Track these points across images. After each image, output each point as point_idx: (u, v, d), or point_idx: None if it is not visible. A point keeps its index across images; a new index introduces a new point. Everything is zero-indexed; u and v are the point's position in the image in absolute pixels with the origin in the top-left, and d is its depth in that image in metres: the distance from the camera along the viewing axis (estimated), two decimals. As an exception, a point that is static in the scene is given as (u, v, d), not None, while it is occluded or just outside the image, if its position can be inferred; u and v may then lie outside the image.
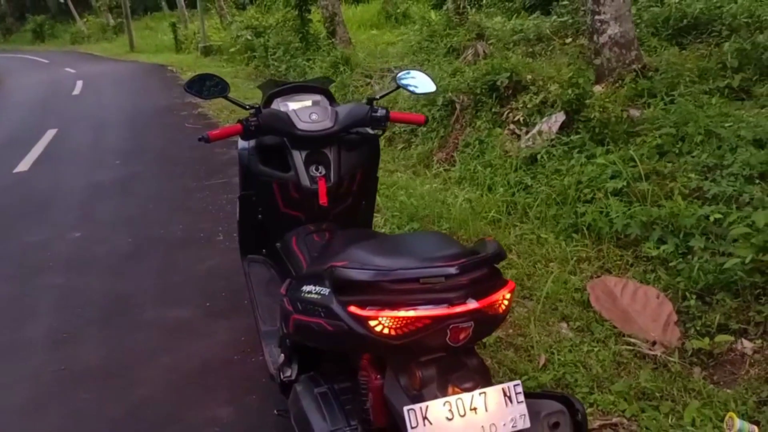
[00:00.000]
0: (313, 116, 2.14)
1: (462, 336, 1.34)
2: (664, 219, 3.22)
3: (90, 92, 12.10)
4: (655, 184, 3.52)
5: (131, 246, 4.08)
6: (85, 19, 30.82)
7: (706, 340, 2.58)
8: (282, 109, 2.23)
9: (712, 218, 2.94)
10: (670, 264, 3.02)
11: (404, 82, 2.30)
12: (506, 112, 5.16)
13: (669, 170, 3.58)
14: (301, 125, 2.11)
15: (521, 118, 4.97)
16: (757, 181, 3.19)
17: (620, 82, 4.80)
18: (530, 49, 7.45)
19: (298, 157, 2.17)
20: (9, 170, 6.18)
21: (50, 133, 7.95)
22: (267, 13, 16.28)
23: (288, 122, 2.11)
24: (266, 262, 2.44)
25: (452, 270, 1.31)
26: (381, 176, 4.03)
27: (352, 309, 1.36)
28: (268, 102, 2.29)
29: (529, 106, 4.94)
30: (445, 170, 4.98)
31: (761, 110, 3.98)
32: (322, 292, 1.50)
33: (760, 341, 2.55)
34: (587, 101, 4.40)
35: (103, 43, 26.85)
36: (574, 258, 3.29)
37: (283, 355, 1.88)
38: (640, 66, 4.86)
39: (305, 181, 2.15)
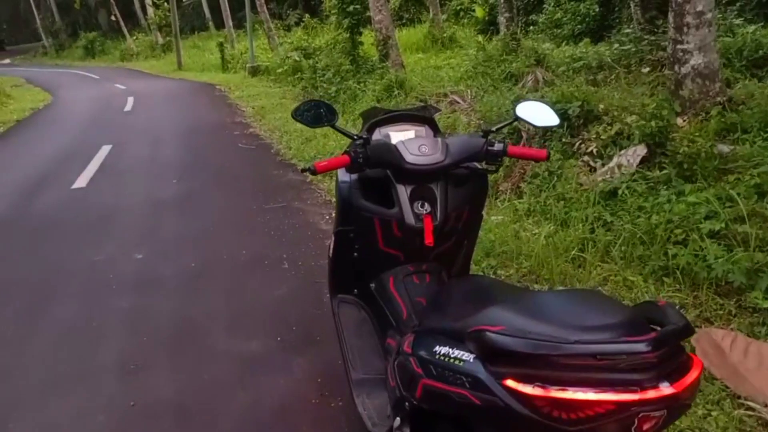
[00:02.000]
0: (423, 148, 1.96)
1: (648, 426, 1.12)
2: (773, 266, 2.97)
3: (141, 109, 12.21)
4: (757, 227, 3.26)
5: (196, 269, 3.96)
6: (134, 37, 31.58)
7: (837, 407, 2.32)
8: (383, 139, 2.08)
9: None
10: (784, 317, 2.77)
11: (522, 113, 2.11)
12: (578, 143, 4.96)
13: (772, 213, 3.33)
14: (409, 158, 1.93)
15: (595, 150, 4.76)
16: None
17: (704, 115, 4.55)
18: (591, 77, 7.25)
19: (403, 192, 1.98)
20: (67, 186, 6.17)
21: (105, 149, 8.00)
22: (314, 35, 16.39)
23: (397, 154, 1.94)
24: (357, 303, 2.27)
25: (642, 346, 1.10)
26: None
27: (510, 383, 1.17)
28: (368, 131, 2.14)
29: (603, 137, 4.73)
30: (510, 201, 4.78)
31: None
32: (463, 358, 1.31)
33: None
34: (672, 134, 4.17)
35: (151, 60, 27.44)
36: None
37: (399, 419, 1.68)
38: (725, 99, 4.61)
39: (410, 219, 1.96)
